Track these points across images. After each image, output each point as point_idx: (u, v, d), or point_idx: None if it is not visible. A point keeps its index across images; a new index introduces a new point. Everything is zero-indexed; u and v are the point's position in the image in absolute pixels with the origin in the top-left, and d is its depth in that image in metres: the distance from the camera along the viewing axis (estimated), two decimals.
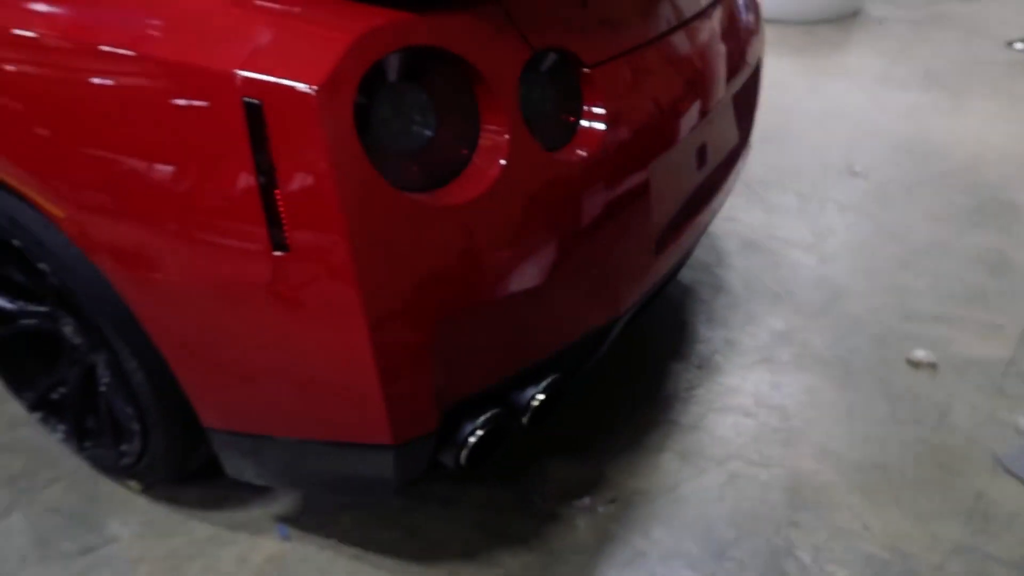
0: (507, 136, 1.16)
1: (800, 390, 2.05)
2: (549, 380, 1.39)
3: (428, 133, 1.14)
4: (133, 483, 1.73)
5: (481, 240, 1.16)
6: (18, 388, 1.78)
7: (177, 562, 1.59)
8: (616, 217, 1.35)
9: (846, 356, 2.16)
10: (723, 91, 1.69)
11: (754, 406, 2.00)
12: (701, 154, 1.69)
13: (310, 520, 1.68)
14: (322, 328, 1.16)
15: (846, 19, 4.92)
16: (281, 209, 1.07)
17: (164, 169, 1.14)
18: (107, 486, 1.75)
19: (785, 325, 2.27)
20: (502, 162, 1.16)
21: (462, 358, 1.27)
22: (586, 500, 1.74)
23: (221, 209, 1.11)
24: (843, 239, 2.67)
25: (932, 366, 2.13)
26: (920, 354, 2.15)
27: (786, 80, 3.90)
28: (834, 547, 1.65)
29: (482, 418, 1.31)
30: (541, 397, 1.38)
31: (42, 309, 1.62)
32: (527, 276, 1.24)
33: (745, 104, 1.97)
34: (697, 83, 1.57)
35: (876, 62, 4.18)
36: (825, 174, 3.07)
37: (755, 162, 3.10)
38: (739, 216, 2.78)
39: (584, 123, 1.30)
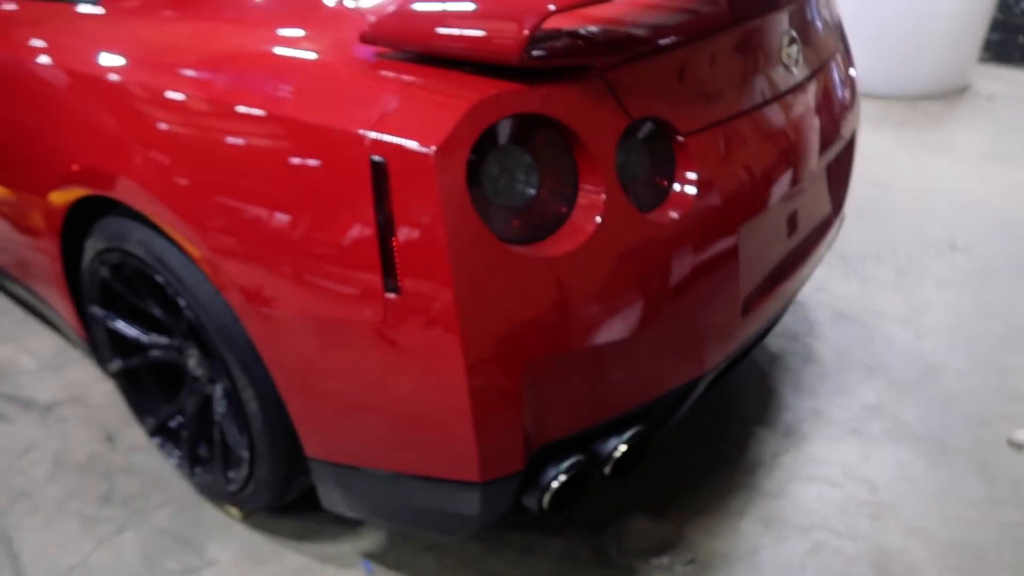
0: (603, 196, 1.25)
1: (890, 464, 2.01)
2: (632, 432, 1.43)
3: (531, 191, 1.24)
4: (235, 510, 1.84)
5: (574, 292, 1.24)
6: (141, 414, 1.94)
7: None
8: (704, 277, 1.40)
9: (941, 433, 2.11)
10: (816, 162, 1.73)
11: (841, 477, 1.97)
12: (792, 221, 1.73)
13: (394, 557, 1.75)
14: (422, 366, 1.25)
15: (952, 95, 4.85)
16: (396, 255, 1.18)
17: (293, 216, 1.28)
18: (210, 512, 1.87)
19: (876, 398, 2.23)
20: (597, 220, 1.24)
21: (550, 404, 1.33)
22: (664, 559, 1.75)
23: (341, 253, 1.23)
24: (941, 315, 2.62)
25: None
26: (1022, 435, 2.08)
27: (886, 154, 3.88)
28: None
29: (566, 463, 1.37)
30: (624, 448, 1.43)
31: (171, 342, 1.78)
32: (615, 329, 1.31)
33: (839, 175, 2.00)
34: (789, 153, 1.62)
35: (982, 138, 4.10)
36: (924, 248, 3.03)
37: (852, 235, 3.09)
38: (833, 287, 2.76)
39: (677, 187, 1.37)
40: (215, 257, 1.39)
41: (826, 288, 2.75)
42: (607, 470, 1.44)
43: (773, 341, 2.47)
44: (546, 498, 1.38)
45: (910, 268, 2.90)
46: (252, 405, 1.49)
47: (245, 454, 1.60)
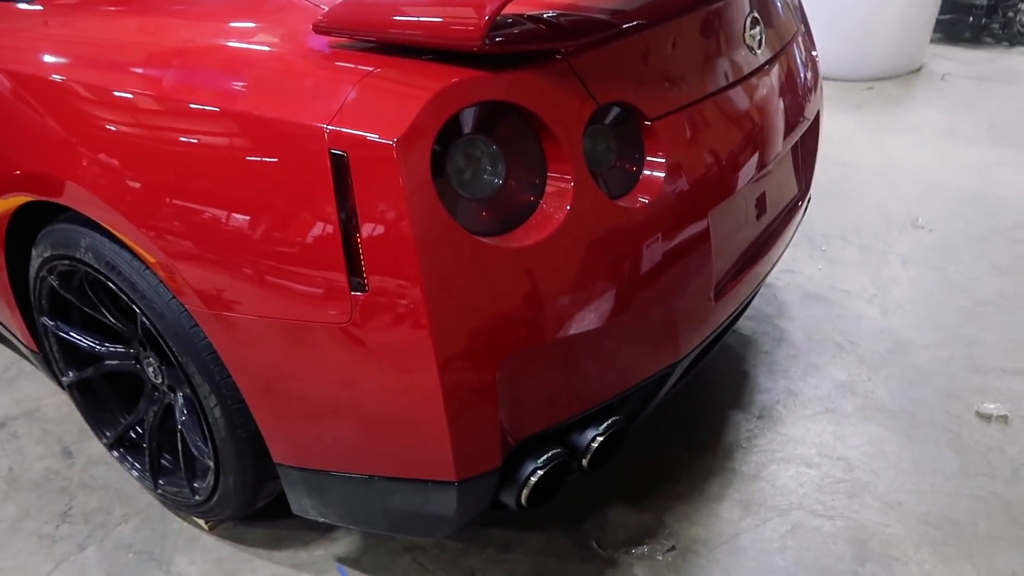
0: (572, 184, 1.21)
1: (864, 441, 2.02)
2: (609, 422, 1.41)
3: (498, 181, 1.20)
4: (202, 521, 1.78)
5: (546, 282, 1.21)
6: (99, 427, 1.87)
7: None
8: (676, 263, 1.38)
9: (912, 408, 2.12)
10: (782, 143, 1.72)
11: (817, 457, 1.97)
12: (760, 204, 1.71)
13: (370, 561, 1.71)
14: (392, 365, 1.21)
15: (908, 75, 4.91)
16: (361, 251, 1.14)
17: (252, 216, 1.22)
18: (176, 524, 1.81)
19: (848, 376, 2.24)
20: (567, 208, 1.21)
21: (526, 398, 1.30)
22: (645, 547, 1.73)
23: (304, 252, 1.18)
24: (907, 291, 2.64)
25: (1003, 419, 2.07)
26: (991, 407, 2.10)
27: (847, 136, 3.91)
28: None
29: (543, 458, 1.34)
30: (601, 439, 1.40)
31: (127, 351, 1.71)
32: (589, 319, 1.28)
33: (805, 156, 2.00)
34: (756, 135, 1.60)
35: (940, 117, 4.15)
36: (888, 227, 3.05)
37: (816, 216, 3.10)
38: (800, 268, 2.77)
39: (646, 172, 1.34)
40: (170, 262, 1.33)
41: (794, 269, 2.76)
42: (585, 462, 1.42)
43: (744, 324, 2.46)
44: (524, 494, 1.35)
45: (875, 246, 2.92)
46: (215, 412, 1.44)
47: (210, 463, 1.55)
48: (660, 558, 1.71)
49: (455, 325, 1.17)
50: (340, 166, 1.12)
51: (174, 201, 1.29)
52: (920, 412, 2.11)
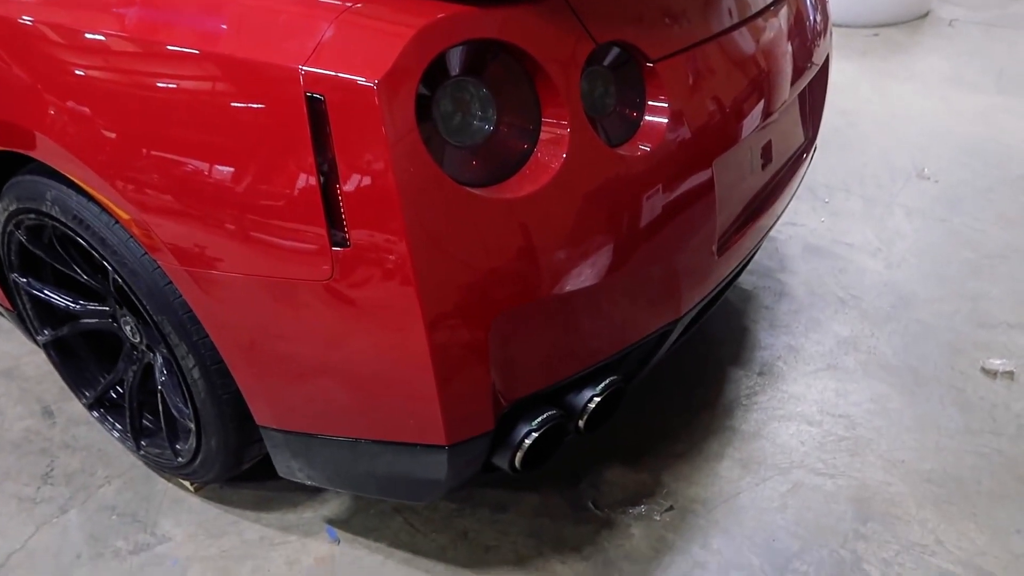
0: (568, 130, 1.13)
1: (867, 398, 1.97)
2: (607, 382, 1.35)
3: (489, 127, 1.12)
4: (187, 482, 1.73)
5: (541, 236, 1.13)
6: (78, 387, 1.80)
7: (228, 563, 1.59)
8: (678, 215, 1.30)
9: (916, 364, 2.07)
10: (789, 89, 1.63)
11: (818, 414, 1.92)
12: (766, 153, 1.63)
13: (360, 523, 1.67)
14: (378, 325, 1.14)
15: (914, 21, 4.76)
16: (342, 204, 1.06)
17: (226, 167, 1.14)
18: (161, 485, 1.76)
19: (851, 331, 2.19)
20: (563, 156, 1.13)
21: (519, 358, 1.24)
22: (642, 508, 1.69)
23: (282, 205, 1.10)
24: (912, 244, 2.57)
25: (1009, 375, 2.02)
26: (996, 362, 2.05)
27: (851, 83, 3.79)
28: (905, 562, 1.58)
29: (538, 419, 1.28)
30: (598, 400, 1.34)
31: (103, 308, 1.64)
32: (586, 274, 1.21)
33: (812, 103, 1.91)
34: (762, 80, 1.51)
35: (946, 64, 4.03)
36: (892, 178, 2.97)
37: (819, 166, 3.01)
38: (802, 220, 2.70)
39: (647, 118, 1.26)
40: (142, 216, 1.25)
41: (796, 221, 2.69)
42: (581, 423, 1.36)
43: (745, 278, 2.40)
44: (519, 456, 1.29)
45: (878, 198, 2.84)
46: (194, 373, 1.37)
47: (191, 425, 1.49)
48: (658, 518, 1.67)
49: (443, 281, 1.09)
50: (317, 111, 1.04)
51: (147, 153, 1.21)
52: (924, 368, 2.06)
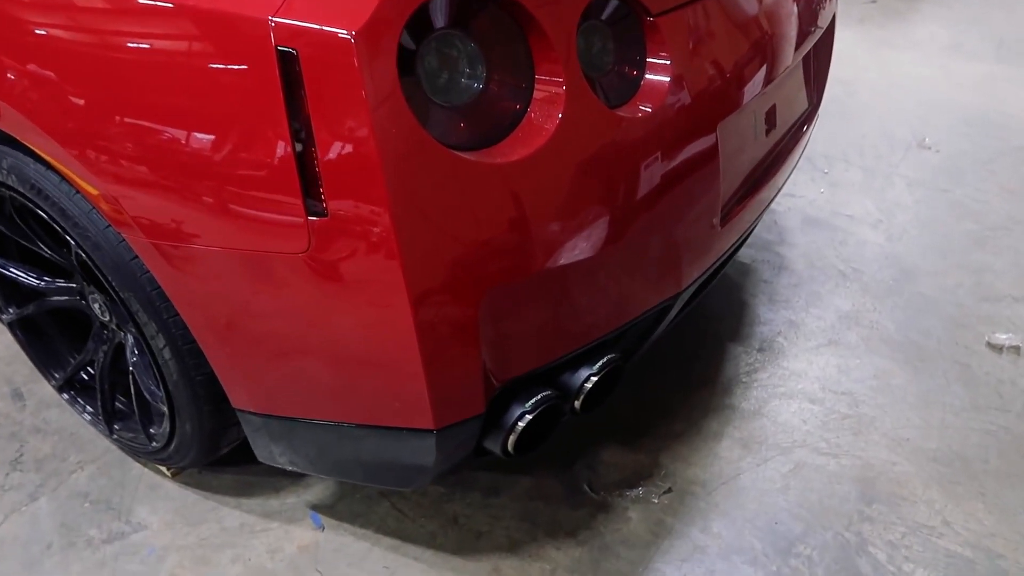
0: (564, 88, 1.04)
1: (870, 375, 1.90)
2: (604, 360, 1.27)
3: (478, 86, 1.03)
4: (164, 467, 1.65)
5: (534, 204, 1.05)
6: (47, 368, 1.71)
7: (206, 551, 1.52)
8: (681, 182, 1.22)
9: (919, 339, 2.01)
10: (794, 50, 1.54)
11: (820, 391, 1.86)
12: (770, 118, 1.55)
13: (346, 508, 1.60)
14: (360, 302, 1.06)
15: None
16: (318, 169, 0.97)
17: (192, 130, 1.05)
18: (137, 470, 1.68)
19: (852, 306, 2.12)
20: (558, 117, 1.04)
21: (512, 336, 1.16)
22: (640, 490, 1.63)
23: (253, 171, 1.01)
24: (913, 215, 2.50)
25: (1015, 350, 1.96)
26: (1002, 337, 1.99)
27: (849, 52, 3.68)
28: (912, 544, 1.52)
29: (532, 401, 1.21)
30: (595, 379, 1.27)
31: (71, 285, 1.55)
32: (584, 246, 1.12)
33: (817, 67, 1.82)
34: (768, 40, 1.42)
35: (945, 32, 3.94)
36: (892, 148, 2.89)
37: (817, 135, 2.92)
38: (801, 192, 2.62)
39: (648, 76, 1.17)
40: (104, 185, 1.15)
41: (794, 192, 2.61)
42: (578, 404, 1.29)
43: (743, 251, 2.32)
44: (511, 440, 1.22)
45: (879, 168, 2.76)
46: (165, 354, 1.29)
47: (164, 408, 1.40)
48: (656, 501, 1.61)
49: (429, 254, 1.01)
50: (289, 66, 0.94)
51: (103, 117, 1.11)
52: (928, 343, 2.00)
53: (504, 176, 1.02)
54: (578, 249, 1.11)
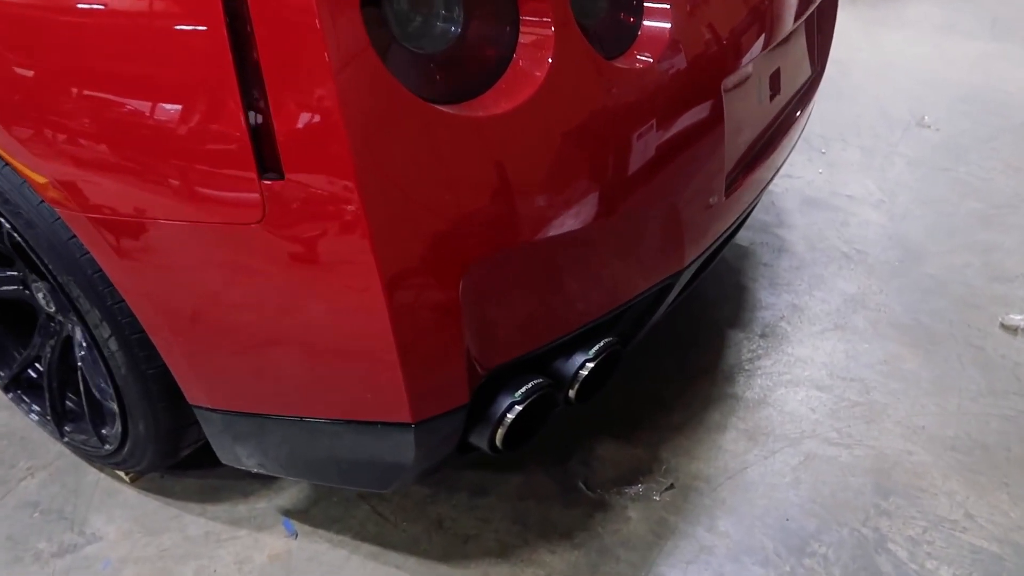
0: (552, 31, 0.92)
1: (880, 360, 1.79)
2: (601, 344, 1.15)
3: (455, 30, 0.90)
4: (122, 472, 1.52)
5: (522, 164, 0.92)
6: None
7: (167, 563, 1.38)
8: (683, 144, 1.10)
9: (929, 322, 1.90)
10: (797, 12, 1.42)
11: (828, 378, 1.74)
12: (775, 82, 1.43)
13: (321, 513, 1.47)
14: (324, 279, 0.93)
15: None
16: (272, 123, 0.84)
17: (124, 83, 0.91)
18: (93, 476, 1.54)
19: (857, 288, 2.01)
20: (548, 63, 0.91)
21: (498, 318, 1.03)
22: (639, 487, 1.51)
23: (196, 127, 0.88)
24: (915, 195, 2.39)
25: None
26: (1016, 318, 1.89)
27: (841, 32, 3.55)
28: (934, 539, 1.41)
29: (522, 390, 1.08)
30: (592, 365, 1.15)
31: (12, 273, 1.41)
32: (576, 214, 1.00)
33: (821, 33, 1.70)
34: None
35: (938, 12, 3.84)
36: (890, 128, 2.79)
37: (812, 115, 2.81)
38: (798, 172, 2.51)
39: (646, 23, 1.05)
40: (33, 157, 1.01)
41: (791, 173, 2.50)
42: (572, 393, 1.17)
43: (741, 234, 2.21)
44: (500, 434, 1.10)
45: (877, 148, 2.66)
46: (111, 345, 1.15)
47: (114, 406, 1.27)
48: (657, 498, 1.49)
49: (401, 223, 0.88)
50: (234, 4, 0.81)
51: (28, 81, 0.97)
52: (938, 326, 1.89)
53: (487, 132, 0.89)
54: (572, 218, 0.99)
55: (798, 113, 1.56)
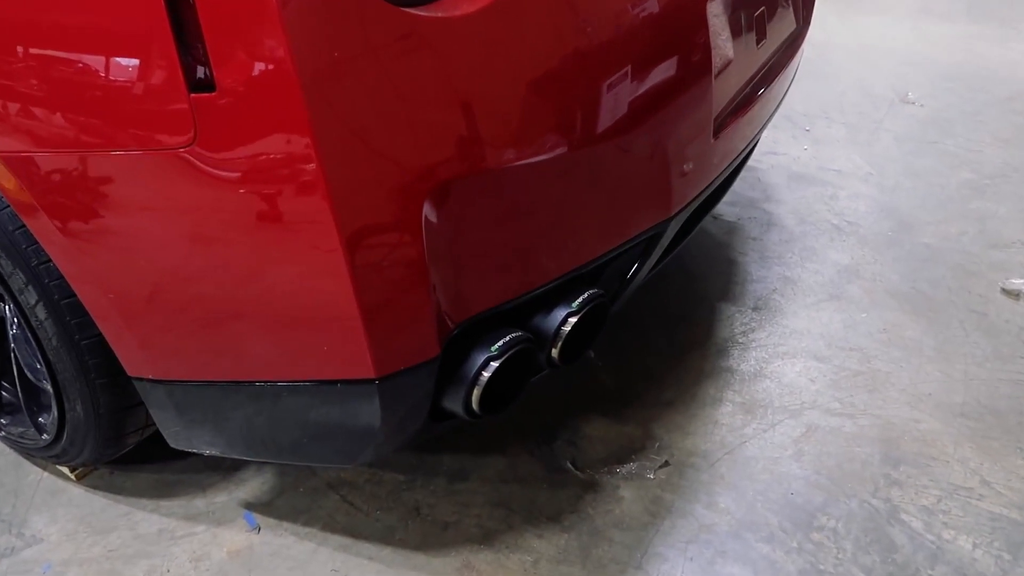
0: None
1: (879, 328, 1.70)
2: (585, 296, 1.05)
3: None
4: (67, 469, 1.39)
5: (492, 74, 0.82)
6: None
7: (116, 564, 1.25)
8: (670, 65, 1.00)
9: (928, 289, 1.81)
10: None
11: (826, 348, 1.65)
12: (760, 25, 1.34)
13: (286, 504, 1.34)
14: (266, 213, 0.82)
15: None
16: (200, 18, 0.73)
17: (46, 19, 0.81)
18: (35, 475, 1.41)
19: (851, 259, 1.92)
20: None
21: (470, 261, 0.92)
22: (632, 465, 1.40)
23: (113, 32, 0.77)
24: (904, 167, 2.32)
25: None
26: (1017, 282, 1.80)
27: (817, 16, 3.51)
28: (949, 508, 1.31)
29: (499, 344, 0.97)
30: (575, 319, 1.04)
31: None
32: (555, 133, 0.90)
33: None
34: None
35: None
36: (874, 104, 2.72)
37: (794, 95, 2.72)
38: (783, 149, 2.43)
39: None
40: None
41: (776, 150, 2.42)
42: (555, 352, 1.06)
43: (727, 210, 2.12)
44: (476, 394, 0.98)
45: (863, 124, 2.59)
46: (39, 313, 1.03)
47: (47, 386, 1.14)
48: (651, 476, 1.37)
49: (352, 142, 0.78)
50: None
51: None
52: (937, 293, 1.80)
53: (450, 35, 0.79)
54: (547, 138, 0.88)
55: (784, 65, 1.47)
